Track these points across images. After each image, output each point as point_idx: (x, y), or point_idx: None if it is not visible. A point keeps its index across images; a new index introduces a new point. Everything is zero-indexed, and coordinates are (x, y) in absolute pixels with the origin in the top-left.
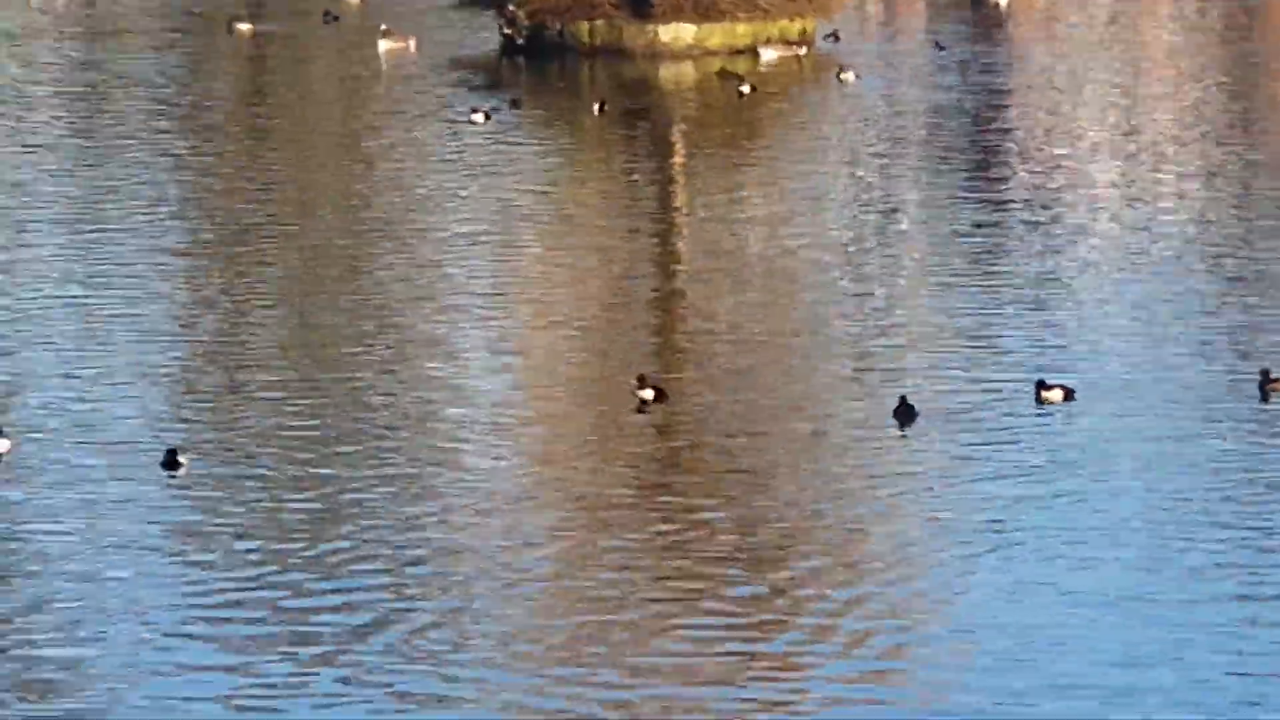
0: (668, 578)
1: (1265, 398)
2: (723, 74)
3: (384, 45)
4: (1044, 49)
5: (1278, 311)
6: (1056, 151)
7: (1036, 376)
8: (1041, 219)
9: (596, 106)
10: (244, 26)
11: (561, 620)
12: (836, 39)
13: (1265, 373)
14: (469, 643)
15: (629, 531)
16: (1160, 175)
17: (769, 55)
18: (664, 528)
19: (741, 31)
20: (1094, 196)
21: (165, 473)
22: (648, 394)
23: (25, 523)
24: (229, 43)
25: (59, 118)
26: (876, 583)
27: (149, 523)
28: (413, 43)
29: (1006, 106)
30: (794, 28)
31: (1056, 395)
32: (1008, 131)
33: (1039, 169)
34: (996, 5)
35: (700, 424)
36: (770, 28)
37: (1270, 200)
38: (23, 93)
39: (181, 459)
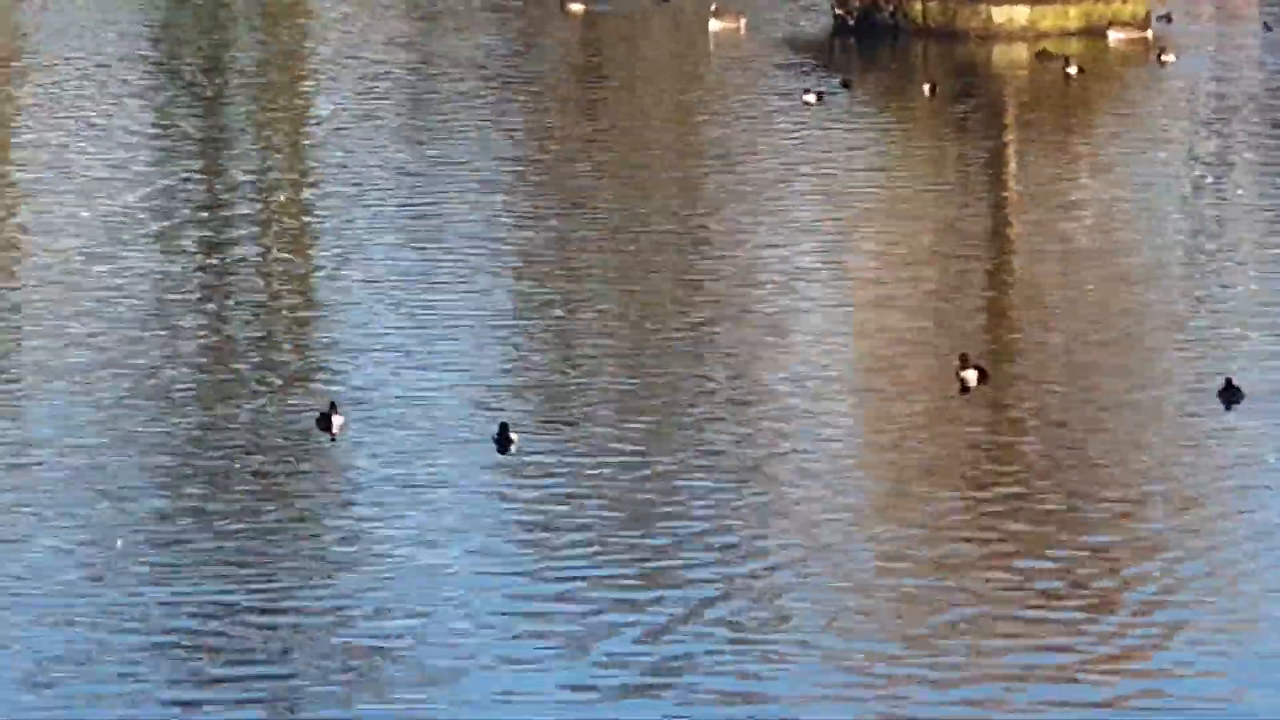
0: (995, 567)
1: None
2: (1042, 55)
3: (714, 25)
4: None
5: None
6: None
7: None
8: None
9: (927, 88)
10: (576, 7)
11: (894, 610)
12: (1169, 20)
13: None
14: (790, 628)
15: (950, 516)
16: None
17: (1116, 36)
18: (985, 512)
19: (1074, 14)
20: None
21: (496, 450)
22: (970, 375)
23: (353, 502)
24: (561, 23)
25: (389, 98)
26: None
27: (479, 503)
28: (743, 23)
29: None
30: (1126, 10)
31: None
32: None
33: None
34: None
35: (1022, 406)
36: (1103, 10)
37: None
38: (352, 73)
39: (513, 436)
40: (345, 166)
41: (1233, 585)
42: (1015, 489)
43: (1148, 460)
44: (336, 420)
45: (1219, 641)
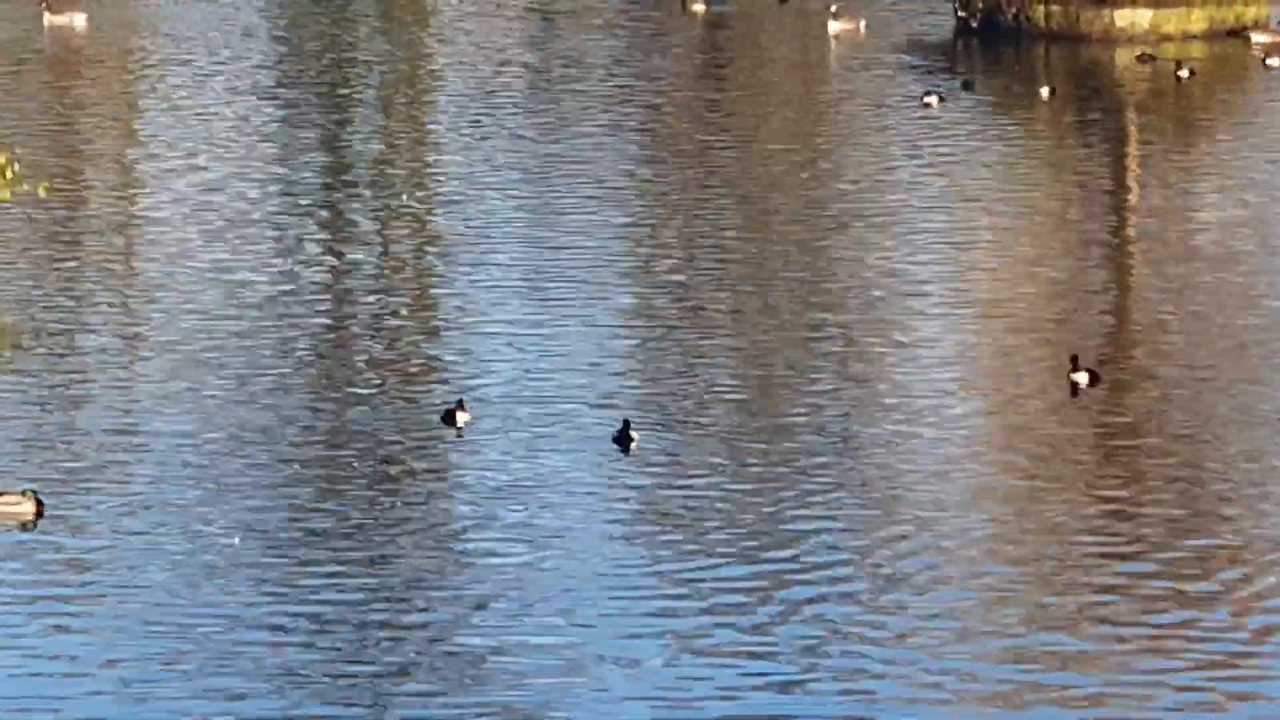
0: (1100, 574)
1: None
2: (1144, 58)
3: (834, 26)
4: None
5: None
6: None
7: None
8: None
9: (1046, 91)
10: (698, 7)
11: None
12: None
13: None
14: (900, 625)
15: (1047, 518)
16: None
17: (1260, 39)
18: (1086, 517)
19: (1196, 17)
20: None
21: (617, 449)
22: (1081, 377)
23: (478, 498)
24: (682, 23)
25: (511, 98)
26: None
27: (600, 501)
28: (862, 24)
29: None
30: (1250, 12)
31: None
32: None
33: None
34: None
35: (1129, 409)
36: (1226, 13)
37: None
38: (476, 72)
39: (634, 434)
40: (467, 167)
41: None
42: (1112, 491)
43: (1254, 468)
44: (462, 416)
45: None
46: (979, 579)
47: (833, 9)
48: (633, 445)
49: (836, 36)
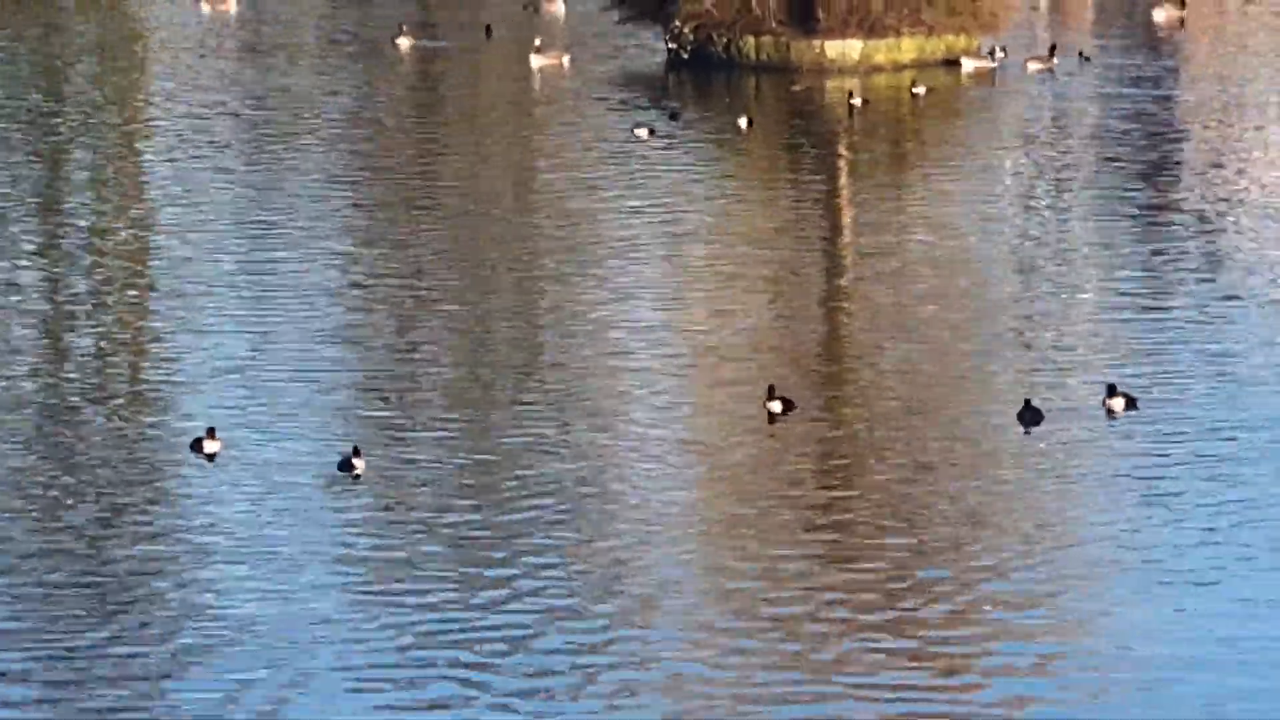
0: (780, 591)
1: None
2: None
3: (537, 61)
4: (1199, 65)
5: None
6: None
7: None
8: (1206, 229)
9: (745, 122)
10: (404, 41)
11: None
12: (1005, 54)
13: None
14: (613, 664)
15: (728, 539)
16: None
17: (969, 66)
18: (763, 540)
19: (906, 47)
20: (1255, 206)
21: (341, 475)
22: (776, 406)
23: (209, 525)
24: (390, 59)
25: (222, 134)
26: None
27: (322, 526)
28: (566, 59)
29: (1121, 119)
30: (960, 43)
31: (1118, 404)
32: (1122, 144)
33: (1164, 180)
34: (1181, 20)
35: (822, 435)
36: (936, 44)
37: None
38: (186, 109)
39: (357, 461)
40: (180, 202)
41: (1027, 590)
42: (795, 512)
43: (940, 480)
44: (211, 445)
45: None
46: (671, 599)
47: (535, 43)
48: (356, 470)
49: (540, 70)
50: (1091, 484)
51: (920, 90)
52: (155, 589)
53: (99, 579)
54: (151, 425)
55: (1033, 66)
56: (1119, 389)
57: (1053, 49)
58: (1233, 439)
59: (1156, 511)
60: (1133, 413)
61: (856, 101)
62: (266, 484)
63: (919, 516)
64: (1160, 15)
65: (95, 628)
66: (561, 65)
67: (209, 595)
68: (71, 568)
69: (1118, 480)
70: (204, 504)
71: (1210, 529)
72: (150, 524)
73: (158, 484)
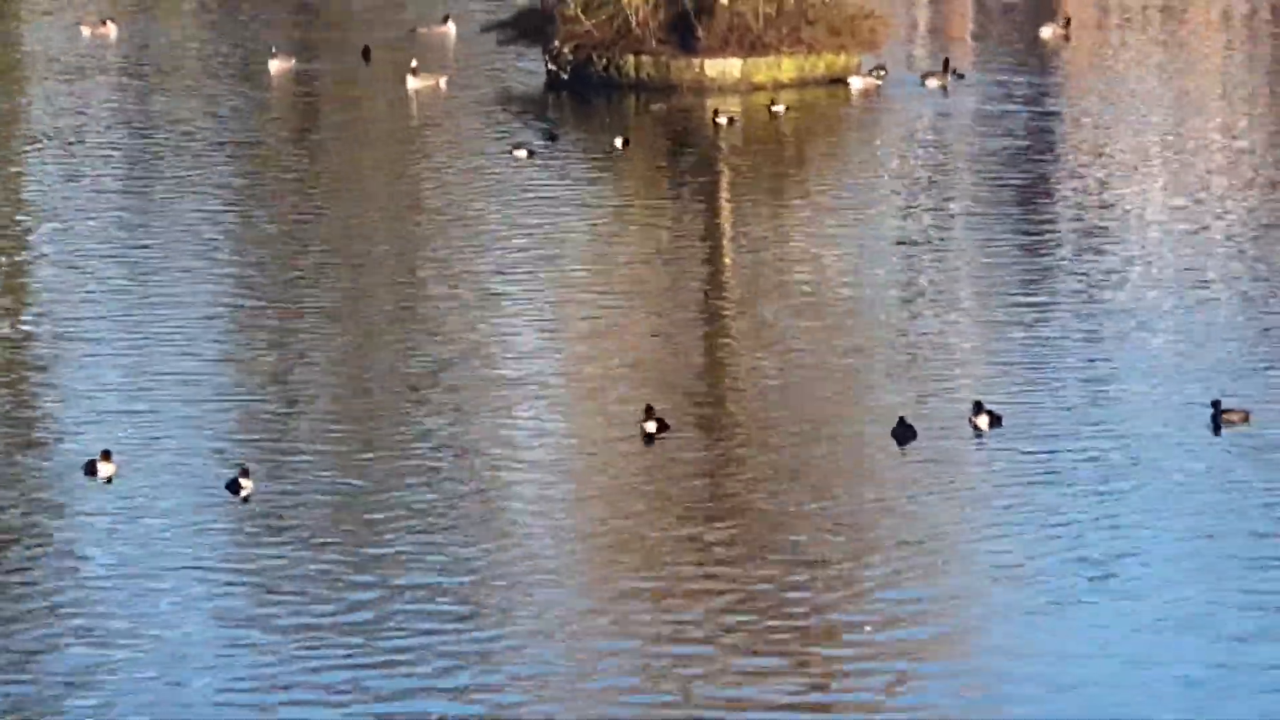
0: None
1: (1218, 429)
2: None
3: (413, 83)
4: (1080, 83)
5: None
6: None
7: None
8: (1083, 247)
9: (620, 141)
10: (275, 64)
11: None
12: (885, 72)
13: (1216, 403)
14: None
15: (594, 557)
16: (1207, 203)
17: (857, 84)
18: (636, 553)
19: (787, 66)
20: (1131, 225)
21: (230, 494)
22: (652, 426)
23: (96, 545)
24: (263, 83)
25: (97, 158)
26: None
27: (207, 550)
28: (443, 81)
29: (1001, 136)
30: (839, 62)
31: (983, 421)
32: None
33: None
34: (1064, 36)
35: (694, 454)
36: (815, 62)
37: None
38: (60, 133)
39: (245, 482)
40: (59, 226)
41: (893, 607)
42: (667, 531)
43: (815, 498)
44: (105, 468)
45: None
46: (547, 617)
47: (412, 64)
48: (244, 492)
49: (416, 93)
50: (961, 501)
51: (780, 109)
52: (31, 609)
53: None
54: (39, 452)
55: (932, 83)
56: (985, 406)
57: (946, 64)
58: (1097, 456)
59: (1023, 529)
60: (998, 430)
61: (722, 120)
62: (154, 505)
63: (792, 535)
64: (1047, 32)
65: None
66: (438, 87)
67: (88, 617)
68: None
69: (985, 497)
70: (95, 525)
71: (1072, 547)
72: (39, 545)
73: (49, 506)
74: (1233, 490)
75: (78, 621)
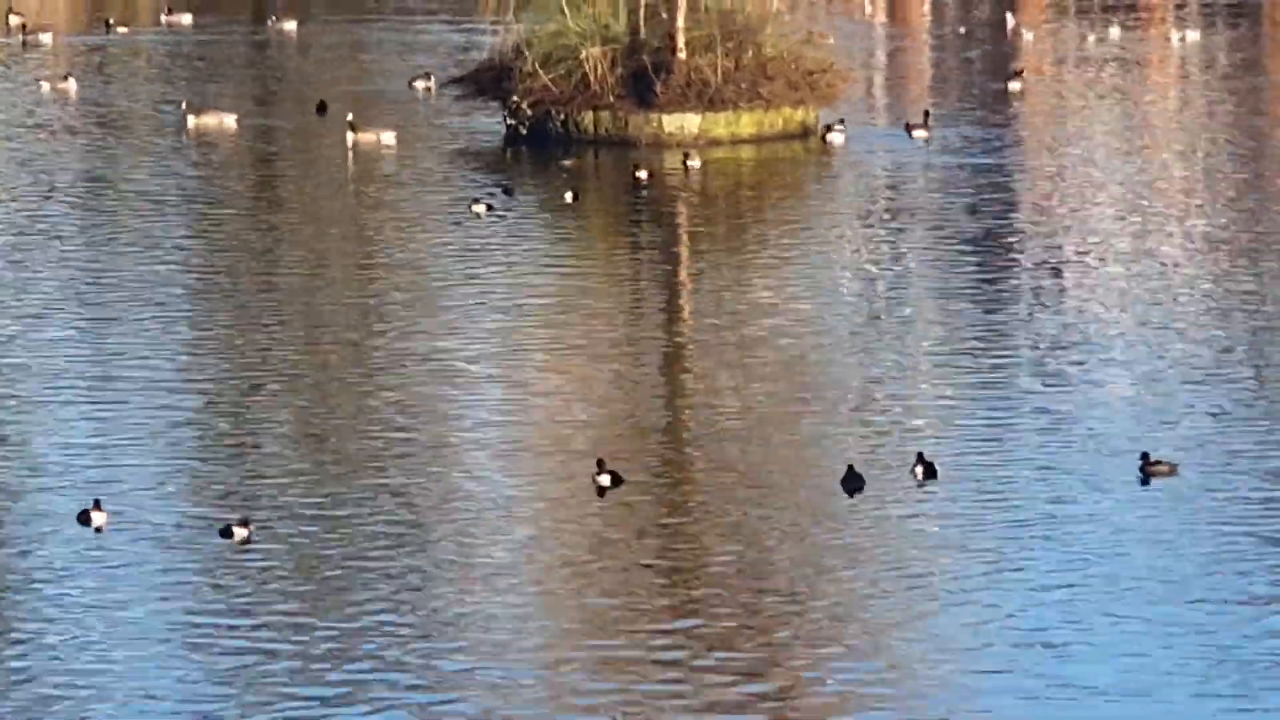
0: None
1: (1147, 480)
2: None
3: (352, 138)
4: (1036, 135)
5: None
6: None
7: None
8: (1038, 300)
9: (571, 196)
10: (196, 121)
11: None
12: (844, 125)
13: (1145, 455)
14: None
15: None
16: (1167, 247)
17: (840, 138)
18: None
19: (745, 121)
20: (1090, 268)
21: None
22: (605, 479)
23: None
24: (213, 138)
25: (49, 215)
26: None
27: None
28: (387, 135)
29: (958, 189)
30: (797, 116)
31: (921, 471)
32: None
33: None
34: (1006, 90)
35: (647, 508)
36: (774, 117)
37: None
38: (12, 190)
39: (239, 530)
40: (7, 286)
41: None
42: (617, 585)
43: (764, 551)
44: (98, 517)
45: None
46: (489, 669)
47: (349, 118)
48: (239, 537)
49: (354, 147)
50: (905, 551)
51: (695, 163)
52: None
53: None
54: (24, 505)
55: (918, 134)
56: (924, 457)
57: (927, 115)
58: (1029, 508)
59: (965, 580)
60: (935, 480)
61: (643, 174)
62: (144, 554)
63: (739, 589)
64: (1016, 86)
65: None
66: (379, 142)
67: (64, 659)
68: None
69: (931, 547)
70: (84, 576)
71: (995, 605)
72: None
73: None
74: (1156, 544)
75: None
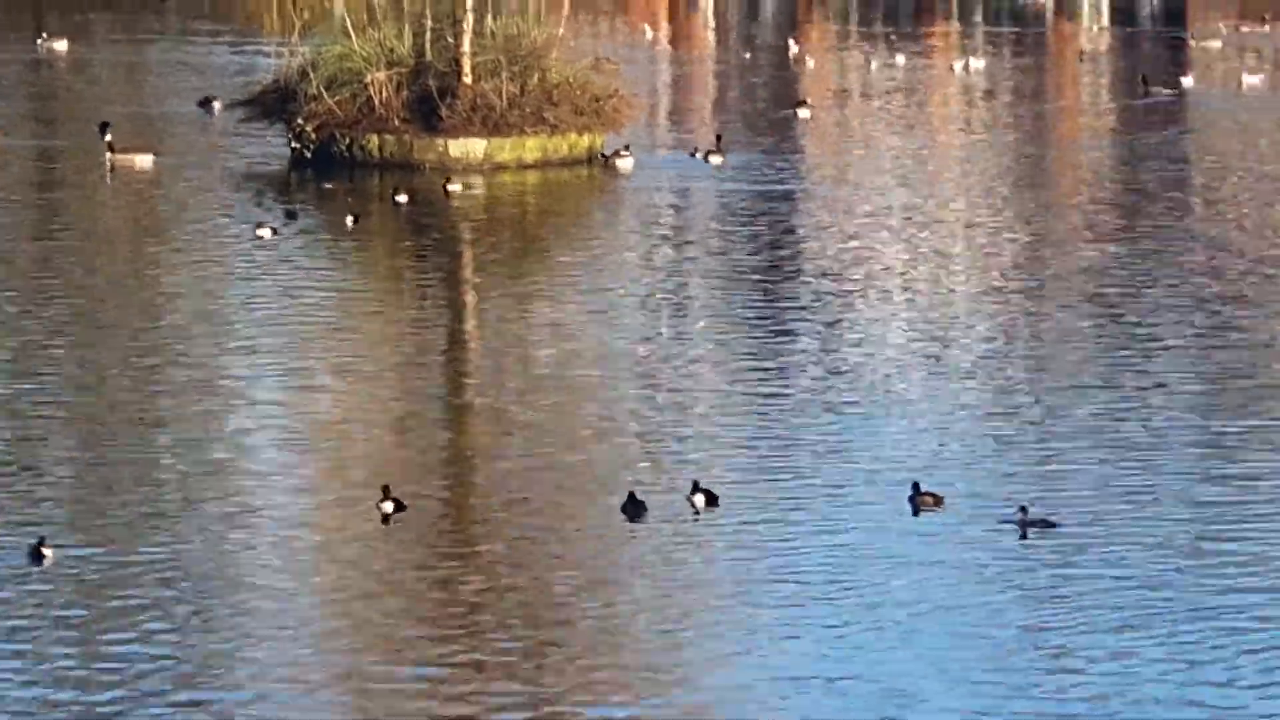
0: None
1: (916, 511)
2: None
3: (109, 158)
4: (820, 164)
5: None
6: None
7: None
8: (825, 323)
9: (351, 220)
10: None
11: None
12: (629, 151)
13: (916, 485)
14: None
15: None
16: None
17: (627, 163)
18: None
19: (531, 146)
20: (875, 282)
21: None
22: (388, 506)
23: None
24: None
25: None
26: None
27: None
28: (144, 158)
29: (745, 216)
30: (583, 142)
31: (700, 500)
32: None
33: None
34: (795, 116)
35: (431, 536)
36: (559, 142)
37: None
38: None
39: (46, 551)
40: None
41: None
42: (394, 613)
43: (541, 577)
44: (47, 553)
45: None
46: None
47: (107, 139)
48: (45, 560)
49: (111, 169)
50: (681, 579)
51: (455, 187)
52: None
53: None
54: None
55: (715, 160)
56: (701, 485)
57: (719, 139)
58: (800, 537)
59: (718, 627)
60: (714, 509)
61: (402, 199)
62: None
63: (518, 615)
64: (805, 113)
65: None
66: (134, 165)
67: None
68: None
69: (707, 576)
70: None
71: (762, 633)
72: None
73: None
74: (925, 573)
75: None
